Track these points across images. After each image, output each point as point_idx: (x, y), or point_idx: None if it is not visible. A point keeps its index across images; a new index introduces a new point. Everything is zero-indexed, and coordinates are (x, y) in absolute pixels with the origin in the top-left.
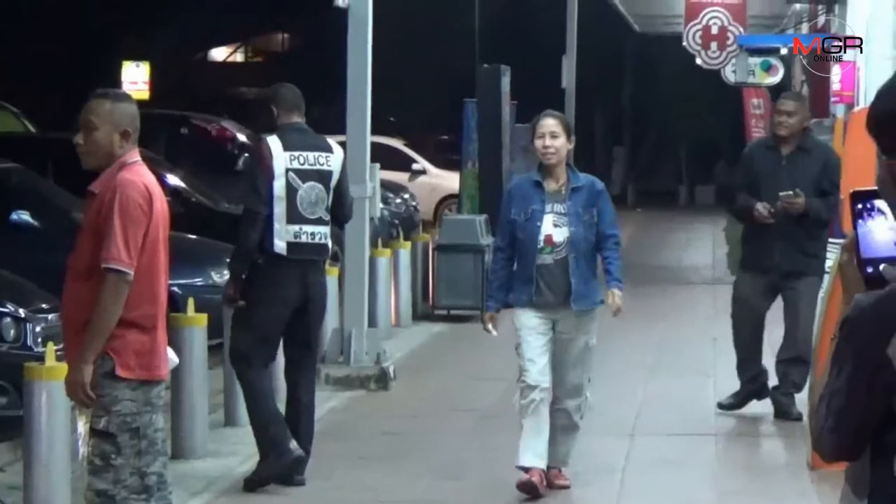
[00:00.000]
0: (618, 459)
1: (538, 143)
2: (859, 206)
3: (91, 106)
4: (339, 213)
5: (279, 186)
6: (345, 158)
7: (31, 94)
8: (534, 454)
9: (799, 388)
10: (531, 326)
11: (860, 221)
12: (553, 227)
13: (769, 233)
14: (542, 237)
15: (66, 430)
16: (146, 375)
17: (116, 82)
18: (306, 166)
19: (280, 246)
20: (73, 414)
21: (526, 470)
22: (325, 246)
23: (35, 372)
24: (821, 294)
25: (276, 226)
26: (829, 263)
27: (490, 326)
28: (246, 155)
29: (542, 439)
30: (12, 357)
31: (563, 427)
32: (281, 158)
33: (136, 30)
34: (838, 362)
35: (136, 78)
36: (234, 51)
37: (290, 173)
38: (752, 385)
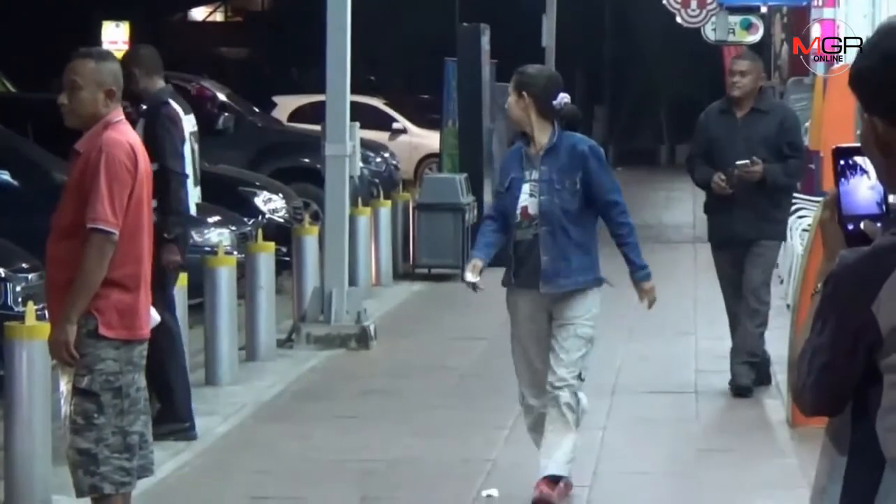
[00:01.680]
0: (599, 417)
1: None
2: (841, 163)
3: (75, 66)
4: None
5: (187, 150)
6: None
7: (10, 54)
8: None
9: (752, 357)
10: (522, 319)
11: (842, 180)
12: (529, 198)
13: (729, 203)
14: (518, 210)
15: (47, 390)
16: (128, 335)
17: (96, 42)
18: (195, 129)
19: (193, 209)
20: (55, 373)
21: (555, 479)
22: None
23: (16, 331)
24: (798, 251)
25: (190, 189)
26: (807, 221)
27: (470, 275)
28: (226, 114)
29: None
30: None
31: (552, 421)
32: (186, 122)
33: None
34: (821, 318)
35: (115, 38)
36: (214, 10)
37: (191, 137)
38: (758, 365)
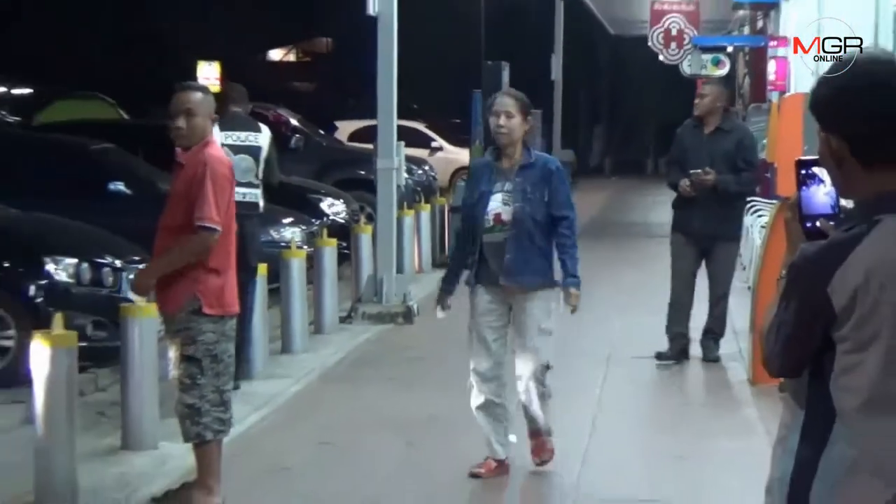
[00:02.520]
0: (597, 380)
1: (492, 120)
2: (803, 172)
3: (187, 97)
4: (268, 177)
5: None
6: (272, 137)
7: (124, 88)
8: (494, 443)
9: (718, 335)
10: (483, 311)
11: (803, 186)
12: (502, 206)
13: (691, 203)
14: (490, 216)
15: (155, 357)
16: (223, 312)
17: (193, 78)
18: (237, 143)
19: None
20: (163, 344)
21: (497, 460)
22: (254, 203)
23: (129, 311)
24: (757, 243)
25: None
26: (765, 219)
27: (438, 312)
28: (297, 136)
29: (500, 427)
30: (111, 299)
31: (527, 402)
32: (218, 136)
33: (208, 34)
34: (786, 299)
35: (208, 74)
36: (287, 52)
37: (224, 147)
38: (680, 342)
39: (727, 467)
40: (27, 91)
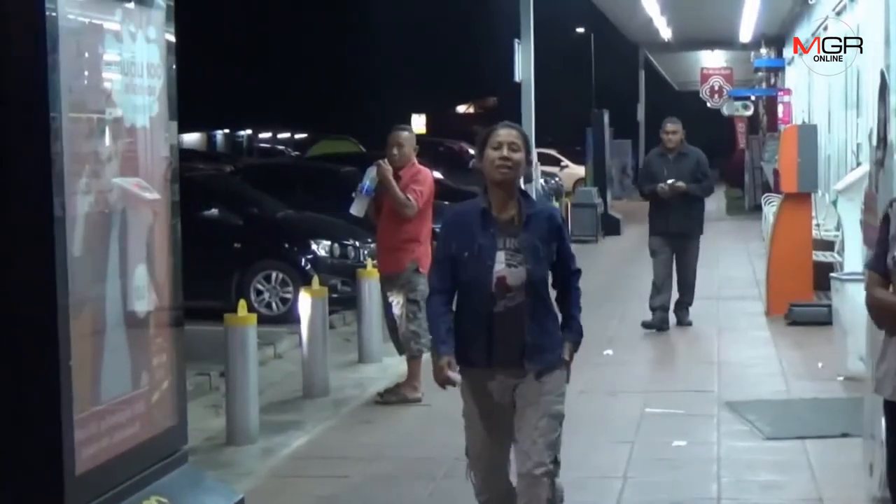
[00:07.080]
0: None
1: (494, 154)
2: None
3: (400, 136)
4: None
5: None
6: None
7: (362, 131)
8: None
9: (689, 305)
10: (492, 402)
11: None
12: (507, 268)
13: (665, 206)
14: (494, 279)
15: (379, 302)
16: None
17: (408, 123)
18: None
19: None
20: (387, 293)
21: None
22: None
23: (363, 273)
24: (770, 221)
25: None
26: (773, 208)
27: (450, 373)
28: (474, 160)
29: None
30: (352, 266)
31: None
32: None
33: (417, 94)
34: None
35: (418, 123)
36: (468, 107)
37: None
38: (661, 313)
39: (752, 367)
40: (303, 135)
